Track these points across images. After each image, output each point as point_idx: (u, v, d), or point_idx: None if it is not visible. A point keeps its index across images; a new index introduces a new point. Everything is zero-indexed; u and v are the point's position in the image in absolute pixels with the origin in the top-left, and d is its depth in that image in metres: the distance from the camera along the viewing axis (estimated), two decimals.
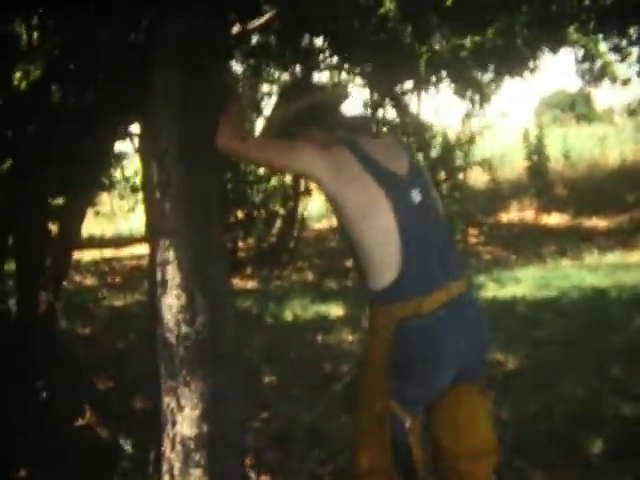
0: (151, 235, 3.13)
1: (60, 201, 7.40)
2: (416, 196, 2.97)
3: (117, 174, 13.61)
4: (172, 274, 2.99)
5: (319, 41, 9.98)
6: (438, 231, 3.04)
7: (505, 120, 23.97)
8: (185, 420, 3.00)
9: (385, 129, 13.50)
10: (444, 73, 12.64)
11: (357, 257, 3.00)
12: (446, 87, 13.69)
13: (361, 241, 2.94)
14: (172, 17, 2.98)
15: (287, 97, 3.28)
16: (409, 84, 13.40)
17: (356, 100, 17.21)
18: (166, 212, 3.00)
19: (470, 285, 3.09)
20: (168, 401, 3.04)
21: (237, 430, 3.18)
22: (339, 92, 3.84)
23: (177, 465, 3.02)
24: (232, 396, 3.14)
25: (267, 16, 8.13)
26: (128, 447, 4.38)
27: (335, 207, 3.04)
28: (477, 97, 13.58)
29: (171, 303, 3.00)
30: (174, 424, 3.02)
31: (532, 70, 13.22)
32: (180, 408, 3.01)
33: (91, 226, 17.48)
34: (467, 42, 10.77)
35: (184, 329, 2.99)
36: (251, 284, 12.46)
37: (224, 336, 3.11)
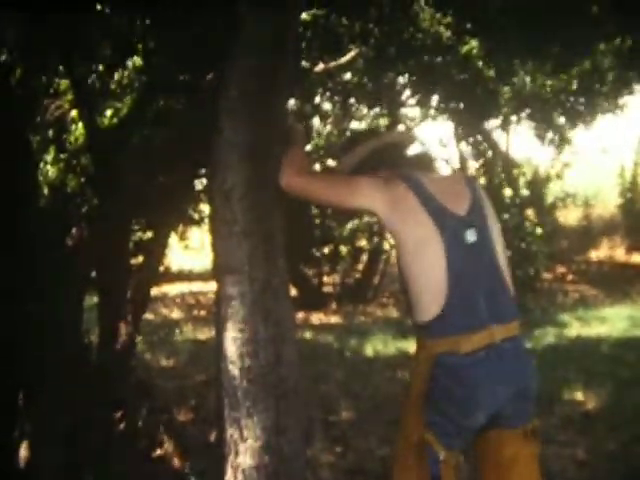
0: (216, 271, 3.21)
1: (142, 235, 7.60)
2: (471, 236, 2.98)
3: (206, 209, 13.80)
4: (236, 308, 3.07)
5: (403, 79, 10.14)
6: (490, 272, 3.03)
7: (605, 157, 23.63)
8: (248, 451, 3.07)
9: (458, 168, 13.54)
10: (526, 113, 12.69)
11: (406, 288, 3.04)
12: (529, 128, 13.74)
13: (410, 274, 2.98)
14: (237, 61, 3.09)
15: (357, 141, 3.35)
16: (496, 122, 13.46)
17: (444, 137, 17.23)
18: (231, 248, 3.09)
19: (520, 330, 3.07)
20: (231, 432, 3.10)
21: (299, 461, 3.23)
22: (406, 135, 3.89)
23: None
24: (294, 428, 3.19)
25: (350, 55, 8.26)
26: (193, 477, 4.46)
27: (393, 240, 3.10)
28: (556, 139, 13.55)
29: (235, 336, 3.07)
30: (237, 454, 3.09)
31: (621, 108, 13.18)
32: (243, 439, 3.07)
33: (180, 260, 17.79)
34: (550, 82, 10.80)
35: (247, 362, 3.06)
36: (334, 319, 12.51)
37: (287, 369, 3.16)
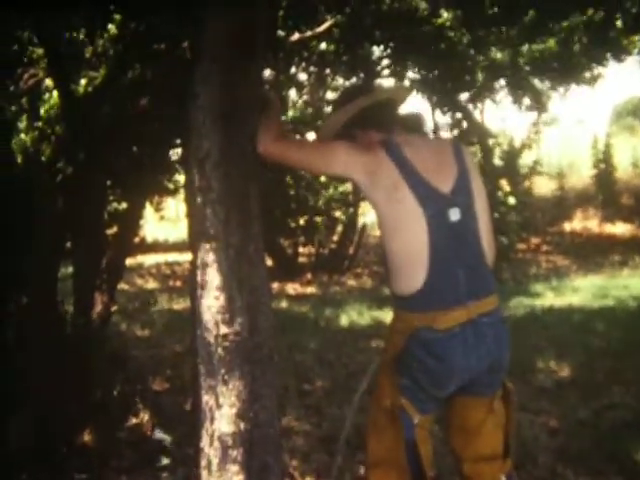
0: (192, 238, 3.21)
1: (117, 206, 7.58)
2: (454, 215, 2.98)
3: (182, 179, 13.78)
4: (211, 276, 3.08)
5: (378, 50, 10.12)
6: (471, 250, 3.03)
7: (580, 128, 23.73)
8: (223, 417, 3.08)
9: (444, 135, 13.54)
10: (502, 82, 12.72)
11: (386, 259, 3.04)
12: (506, 96, 13.77)
13: (391, 249, 2.99)
14: (211, 29, 3.08)
15: (346, 99, 3.31)
16: (471, 92, 13.47)
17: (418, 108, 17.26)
18: (206, 216, 3.08)
19: (497, 304, 3.09)
20: (207, 399, 3.11)
21: (274, 428, 3.24)
22: (400, 90, 3.82)
23: (215, 461, 3.10)
24: (269, 395, 3.21)
25: (326, 25, 8.22)
26: (167, 443, 4.47)
27: (373, 208, 3.10)
28: (533, 104, 13.59)
29: (210, 304, 3.08)
30: (212, 421, 3.10)
31: (595, 78, 13.22)
32: (218, 406, 3.08)
33: (155, 230, 17.75)
34: (524, 50, 10.81)
35: (223, 329, 3.07)
36: (310, 289, 12.54)
37: (262, 337, 3.17)
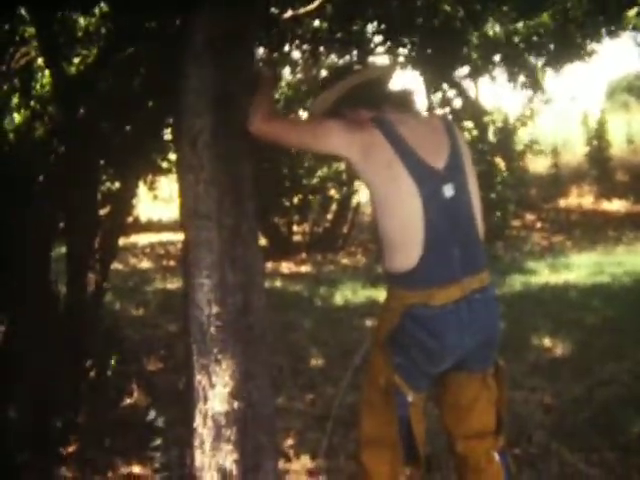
0: (183, 217, 3.20)
1: (110, 185, 7.55)
2: (448, 191, 2.97)
3: (175, 158, 13.72)
4: (204, 254, 3.07)
5: (371, 27, 10.05)
6: (465, 226, 3.04)
7: (574, 105, 23.68)
8: (216, 397, 3.07)
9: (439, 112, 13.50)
10: (498, 58, 12.67)
11: (380, 237, 3.03)
12: (501, 73, 13.73)
13: (386, 226, 2.98)
14: (203, 7, 3.06)
15: (335, 77, 3.29)
16: (466, 69, 13.42)
17: (413, 86, 17.19)
18: (199, 194, 3.07)
19: (489, 280, 3.10)
20: (200, 378, 3.11)
21: (268, 407, 3.24)
22: (387, 67, 3.81)
23: (208, 440, 3.10)
24: (262, 374, 3.21)
25: (318, 1, 8.16)
26: (161, 423, 4.47)
27: (366, 187, 3.09)
28: (530, 83, 13.55)
29: (202, 282, 3.07)
30: (206, 401, 3.09)
31: (590, 54, 13.18)
32: (211, 385, 3.08)
33: (149, 210, 17.71)
34: (520, 27, 10.78)
35: (215, 308, 3.06)
36: (304, 268, 12.55)
37: (255, 316, 3.17)
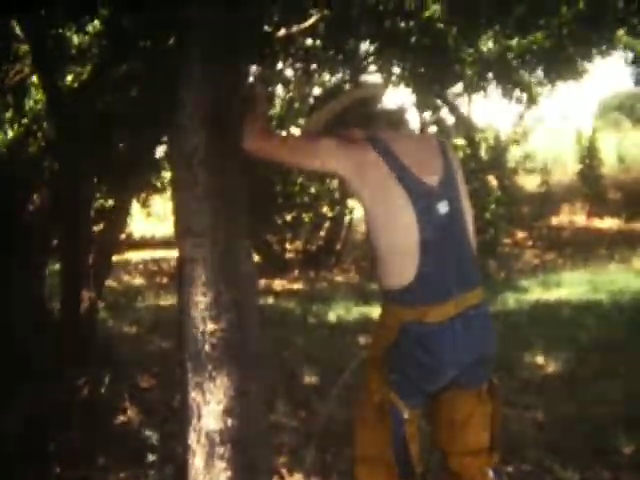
0: (178, 235, 3.20)
1: (104, 202, 7.56)
2: (443, 208, 2.98)
3: (169, 176, 13.70)
4: (199, 272, 3.07)
5: (364, 45, 10.07)
6: (459, 243, 3.05)
7: (565, 123, 23.77)
8: (210, 414, 3.07)
9: (431, 130, 13.54)
10: (491, 75, 12.69)
11: (375, 255, 3.04)
12: (495, 90, 13.76)
13: (381, 244, 2.98)
14: (197, 25, 3.08)
15: (328, 97, 3.30)
16: (459, 87, 13.47)
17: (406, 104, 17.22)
18: (193, 211, 3.08)
19: (483, 297, 3.11)
20: (194, 395, 3.11)
21: (261, 425, 3.25)
22: (378, 86, 3.84)
23: (202, 458, 3.10)
24: (256, 392, 3.21)
25: (312, 20, 8.19)
26: (154, 440, 4.47)
27: (360, 203, 3.10)
28: (525, 98, 13.59)
29: (198, 300, 3.07)
30: (200, 418, 3.09)
31: (582, 73, 13.24)
32: (206, 402, 3.08)
33: (142, 227, 17.71)
34: (514, 44, 10.80)
35: (210, 325, 3.06)
36: (297, 285, 12.54)
37: (249, 333, 3.17)
